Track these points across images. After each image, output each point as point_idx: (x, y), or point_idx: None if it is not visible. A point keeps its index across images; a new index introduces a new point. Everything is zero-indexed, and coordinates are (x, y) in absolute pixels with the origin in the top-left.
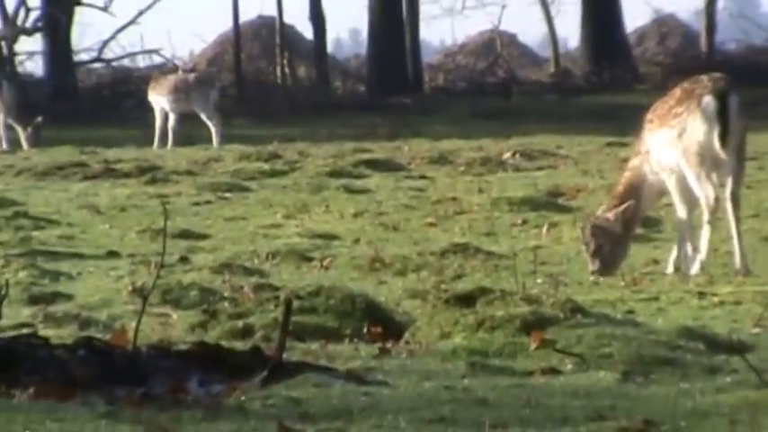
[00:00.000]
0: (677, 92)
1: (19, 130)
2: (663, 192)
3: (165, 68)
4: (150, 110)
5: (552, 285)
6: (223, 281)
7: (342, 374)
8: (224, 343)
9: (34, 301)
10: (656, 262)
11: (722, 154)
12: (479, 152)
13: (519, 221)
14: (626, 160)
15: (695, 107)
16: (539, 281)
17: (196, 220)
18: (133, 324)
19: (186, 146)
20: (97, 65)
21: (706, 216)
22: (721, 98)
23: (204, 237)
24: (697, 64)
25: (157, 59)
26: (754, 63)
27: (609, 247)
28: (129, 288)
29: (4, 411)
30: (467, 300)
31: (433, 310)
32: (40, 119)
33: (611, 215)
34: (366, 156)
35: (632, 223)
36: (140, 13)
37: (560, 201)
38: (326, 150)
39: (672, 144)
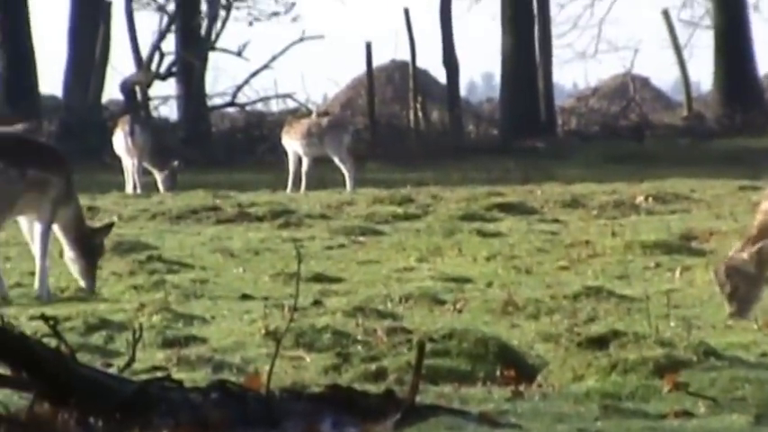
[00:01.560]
0: None
1: (155, 173)
2: None
3: (299, 112)
4: (284, 154)
5: (685, 328)
6: (356, 324)
7: (475, 417)
8: (357, 386)
9: (168, 344)
10: None
11: None
12: (612, 195)
13: (652, 265)
14: (758, 203)
15: None
16: (672, 324)
17: (329, 264)
18: (266, 367)
19: (319, 189)
20: (231, 109)
21: None
22: None
23: (337, 280)
24: None
25: (291, 103)
26: None
27: (744, 289)
28: (263, 331)
29: None
30: (600, 343)
31: (566, 352)
32: (176, 163)
33: (745, 255)
34: (499, 199)
35: (766, 265)
36: (274, 58)
37: (693, 244)
38: (459, 194)
39: None
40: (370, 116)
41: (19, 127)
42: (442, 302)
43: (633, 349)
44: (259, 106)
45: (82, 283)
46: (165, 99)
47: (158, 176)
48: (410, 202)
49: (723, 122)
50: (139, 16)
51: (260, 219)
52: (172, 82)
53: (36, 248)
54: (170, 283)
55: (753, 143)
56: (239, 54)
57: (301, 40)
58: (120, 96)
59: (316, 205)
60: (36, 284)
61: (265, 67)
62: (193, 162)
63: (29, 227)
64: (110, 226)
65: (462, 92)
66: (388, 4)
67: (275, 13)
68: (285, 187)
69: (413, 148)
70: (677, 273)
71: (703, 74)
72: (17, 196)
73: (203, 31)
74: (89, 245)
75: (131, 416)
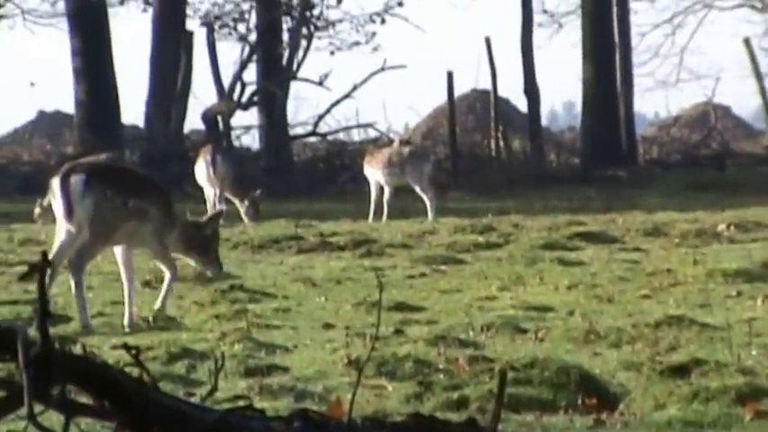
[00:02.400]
0: None
1: (237, 203)
2: None
3: (380, 142)
4: (365, 183)
5: (767, 356)
6: (438, 353)
7: None
8: (439, 414)
9: (250, 373)
10: None
11: None
12: (694, 224)
13: (733, 293)
14: None
15: None
16: (753, 352)
17: (411, 293)
18: (349, 396)
19: (401, 219)
20: (312, 138)
21: None
22: None
23: (419, 309)
24: None
25: (372, 133)
26: None
27: None
28: (345, 360)
29: None
30: (681, 371)
31: (648, 381)
32: (258, 192)
33: None
34: (580, 228)
35: None
36: (355, 88)
37: None
38: (541, 223)
39: None
40: (452, 145)
41: (102, 157)
42: (524, 331)
43: (715, 378)
44: (340, 135)
45: (208, 272)
46: (246, 129)
47: (240, 206)
48: (492, 230)
49: None
50: (221, 46)
51: (341, 248)
52: (253, 111)
53: (124, 275)
54: (252, 313)
55: None
56: (321, 83)
57: (382, 69)
58: (201, 126)
59: (397, 234)
60: (126, 314)
61: (347, 96)
62: (275, 192)
63: (125, 256)
64: (219, 215)
65: (543, 121)
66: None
67: (356, 43)
68: (367, 216)
69: (494, 176)
70: (759, 301)
71: None
72: (119, 225)
73: (285, 61)
74: (200, 241)
75: None
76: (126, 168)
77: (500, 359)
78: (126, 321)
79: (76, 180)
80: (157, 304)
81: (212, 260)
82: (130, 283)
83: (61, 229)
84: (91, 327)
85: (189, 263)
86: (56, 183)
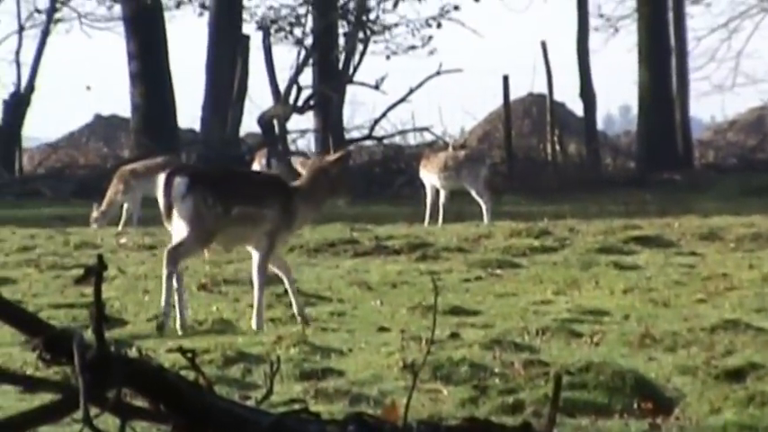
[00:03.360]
0: None
1: None
2: None
3: (436, 146)
4: (421, 186)
5: None
6: (493, 357)
7: None
8: (494, 418)
9: (305, 376)
10: None
11: None
12: (750, 228)
13: None
14: None
15: None
16: None
17: (467, 297)
18: (404, 400)
19: (457, 222)
20: (368, 142)
21: None
22: None
23: (475, 313)
24: None
25: (428, 137)
26: None
27: None
28: (400, 364)
29: None
30: (737, 375)
31: (704, 385)
32: None
33: None
34: (636, 232)
35: None
36: (411, 91)
37: None
38: (596, 227)
39: None
40: (507, 149)
41: (159, 161)
42: (580, 335)
43: None
44: (396, 139)
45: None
46: (302, 132)
47: None
48: (547, 234)
49: None
50: (277, 50)
51: (397, 252)
52: (309, 115)
53: (254, 279)
54: (308, 316)
55: None
56: (377, 87)
57: (438, 73)
58: (257, 130)
59: (453, 238)
60: (253, 318)
61: (403, 100)
62: None
63: (278, 262)
64: (347, 155)
65: (599, 125)
66: (526, 38)
67: (412, 47)
68: (422, 220)
69: (550, 180)
70: None
71: None
72: (219, 229)
73: (341, 65)
74: (328, 185)
75: None
76: (236, 172)
77: (555, 363)
78: (298, 320)
79: (179, 182)
80: (296, 312)
81: (344, 194)
82: (292, 286)
83: (168, 228)
84: (168, 321)
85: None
86: (161, 181)
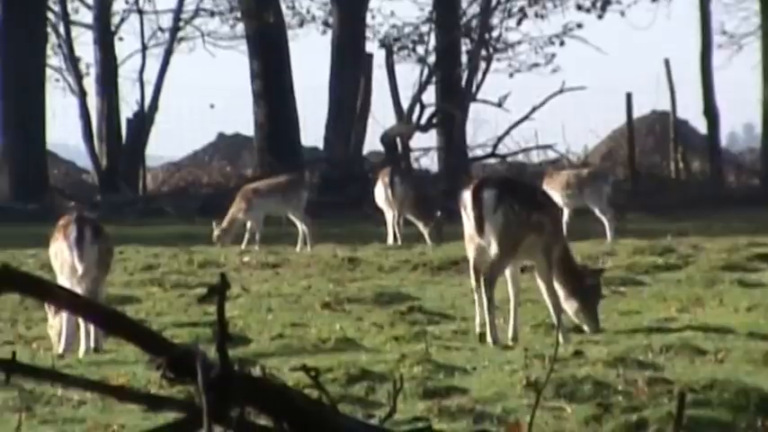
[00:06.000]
0: None
1: (420, 226)
2: None
3: (559, 163)
4: None
5: None
6: (617, 374)
7: None
8: None
9: (429, 395)
10: None
11: None
12: None
13: None
14: None
15: None
16: None
17: None
18: (527, 418)
19: (580, 240)
20: (492, 160)
21: None
22: None
23: (598, 330)
24: None
25: (551, 154)
26: None
27: None
28: (524, 382)
29: None
30: None
31: None
32: (439, 214)
33: None
34: (760, 249)
35: None
36: (534, 109)
37: None
38: (720, 244)
39: None
40: (631, 167)
41: (282, 180)
42: (704, 353)
43: None
44: (520, 157)
45: (584, 326)
46: (425, 150)
47: (423, 229)
48: (671, 252)
49: None
50: (400, 68)
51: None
52: (432, 133)
53: (511, 291)
54: (431, 334)
55: None
56: (500, 105)
57: (561, 91)
58: (380, 148)
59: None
60: (510, 329)
61: (526, 118)
62: (455, 214)
63: (513, 270)
64: (602, 270)
65: (723, 142)
66: (649, 55)
67: (535, 65)
68: None
69: (673, 198)
70: None
71: None
72: (524, 238)
73: (464, 83)
74: (582, 284)
75: None
76: (525, 183)
77: (679, 381)
78: (510, 334)
79: (488, 194)
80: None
81: (586, 310)
82: (516, 298)
83: (470, 244)
84: (498, 339)
85: (562, 302)
86: (467, 197)
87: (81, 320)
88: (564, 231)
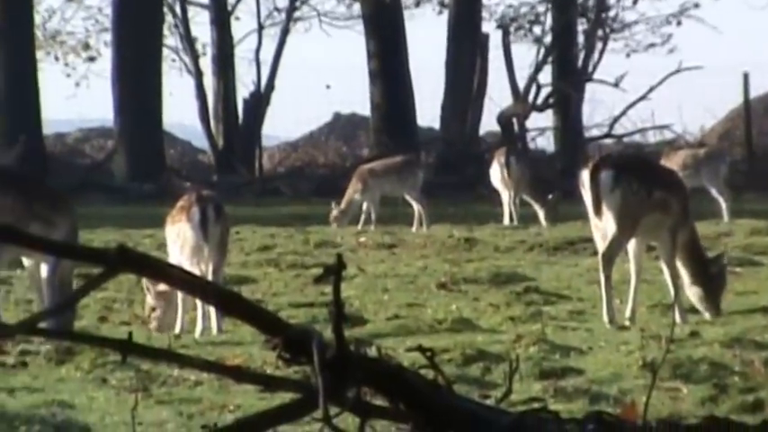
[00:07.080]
0: None
1: (536, 206)
2: None
3: (676, 144)
4: None
5: None
6: (733, 355)
7: None
8: (734, 417)
9: (545, 375)
10: None
11: None
12: None
13: None
14: None
15: None
16: None
17: None
18: (643, 398)
19: (696, 220)
20: (608, 141)
21: None
22: None
23: None
24: None
25: (668, 135)
26: None
27: None
28: (640, 362)
29: None
30: None
31: None
32: (555, 194)
33: None
34: None
35: None
36: (651, 89)
37: None
38: None
39: None
40: (748, 147)
41: (398, 160)
42: None
43: None
44: (636, 137)
45: (705, 313)
46: (541, 131)
47: (539, 210)
48: None
49: None
50: (516, 48)
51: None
52: (549, 114)
53: (633, 269)
54: (547, 315)
55: None
56: (616, 85)
57: (678, 71)
58: (497, 128)
59: None
60: (627, 309)
61: (642, 98)
62: (571, 194)
63: (637, 250)
64: (722, 255)
65: None
66: (766, 35)
67: (652, 45)
68: None
69: None
70: None
71: None
72: (643, 216)
73: (580, 63)
74: (706, 271)
75: None
76: (649, 161)
77: None
78: (627, 314)
79: (605, 174)
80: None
81: (709, 297)
82: (637, 278)
83: (592, 224)
84: (614, 319)
85: (685, 287)
86: (585, 177)
87: (198, 301)
88: (689, 215)
